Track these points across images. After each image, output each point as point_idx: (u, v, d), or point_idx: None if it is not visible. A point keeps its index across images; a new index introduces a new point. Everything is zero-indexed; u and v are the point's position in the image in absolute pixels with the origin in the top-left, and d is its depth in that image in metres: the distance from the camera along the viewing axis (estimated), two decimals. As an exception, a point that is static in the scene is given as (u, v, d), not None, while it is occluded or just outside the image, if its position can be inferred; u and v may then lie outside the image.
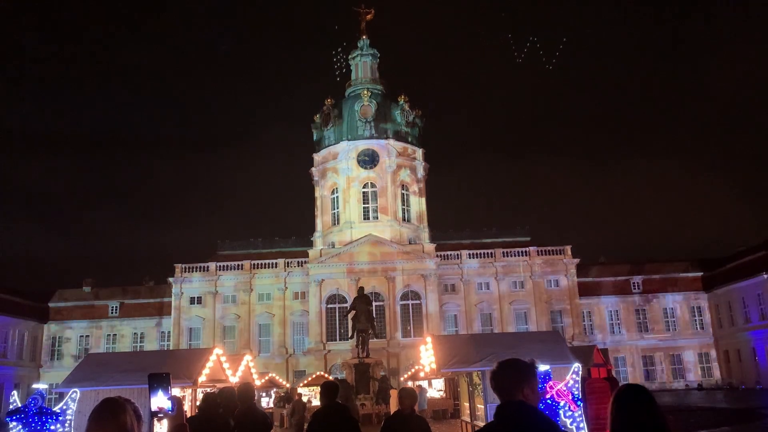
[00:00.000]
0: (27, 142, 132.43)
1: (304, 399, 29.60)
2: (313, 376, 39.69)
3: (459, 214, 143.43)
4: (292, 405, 24.55)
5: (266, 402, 35.45)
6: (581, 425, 11.61)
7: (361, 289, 40.06)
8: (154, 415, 3.43)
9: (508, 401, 3.41)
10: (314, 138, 65.32)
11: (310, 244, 61.23)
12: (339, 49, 65.64)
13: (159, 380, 3.44)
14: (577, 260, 59.05)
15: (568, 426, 11.38)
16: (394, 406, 23.64)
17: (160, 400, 3.40)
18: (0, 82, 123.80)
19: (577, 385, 11.80)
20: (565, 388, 11.65)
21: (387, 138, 61.77)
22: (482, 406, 14.85)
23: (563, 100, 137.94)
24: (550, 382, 11.48)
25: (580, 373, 12.31)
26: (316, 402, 28.15)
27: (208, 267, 59.54)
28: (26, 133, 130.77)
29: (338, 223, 60.83)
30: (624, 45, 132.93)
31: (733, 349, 58.28)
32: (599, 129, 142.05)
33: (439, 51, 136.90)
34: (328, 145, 63.05)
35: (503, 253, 59.07)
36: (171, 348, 54.34)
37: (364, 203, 60.65)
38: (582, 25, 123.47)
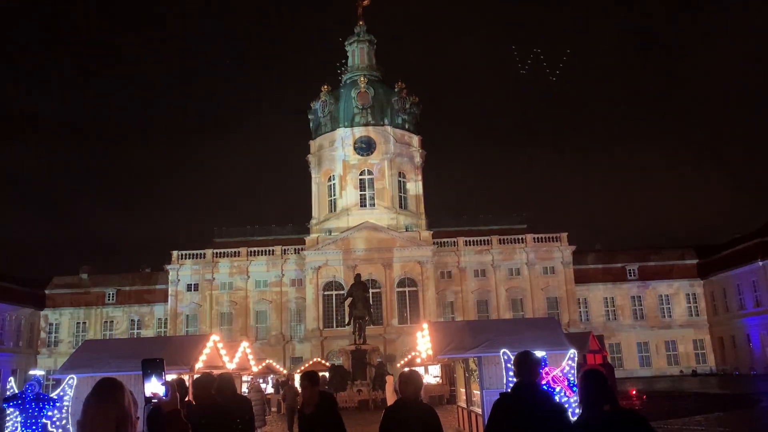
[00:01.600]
0: (24, 130, 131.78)
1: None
2: (310, 362, 39.88)
3: (456, 202, 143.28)
4: (283, 391, 25.01)
5: (264, 388, 35.48)
6: (576, 411, 11.64)
7: (358, 275, 40.16)
8: (148, 401, 3.40)
9: (526, 381, 4.75)
10: (311, 125, 65.02)
11: (307, 231, 61.14)
12: (343, 60, 66.08)
13: (152, 366, 3.41)
14: (573, 247, 59.15)
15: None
16: (389, 393, 23.68)
17: (153, 386, 3.38)
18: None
19: (572, 372, 11.83)
20: (560, 374, 11.69)
21: (384, 125, 61.51)
22: (478, 392, 14.90)
23: (562, 92, 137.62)
24: (546, 368, 11.50)
25: (576, 359, 12.35)
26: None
27: (204, 254, 59.49)
28: (23, 121, 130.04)
29: (335, 210, 60.72)
30: (621, 40, 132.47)
31: (727, 335, 58.65)
32: (595, 118, 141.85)
33: (436, 38, 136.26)
34: (325, 132, 62.74)
35: (499, 240, 59.15)
36: (168, 334, 54.38)
37: (360, 190, 60.50)
38: (583, 28, 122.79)
